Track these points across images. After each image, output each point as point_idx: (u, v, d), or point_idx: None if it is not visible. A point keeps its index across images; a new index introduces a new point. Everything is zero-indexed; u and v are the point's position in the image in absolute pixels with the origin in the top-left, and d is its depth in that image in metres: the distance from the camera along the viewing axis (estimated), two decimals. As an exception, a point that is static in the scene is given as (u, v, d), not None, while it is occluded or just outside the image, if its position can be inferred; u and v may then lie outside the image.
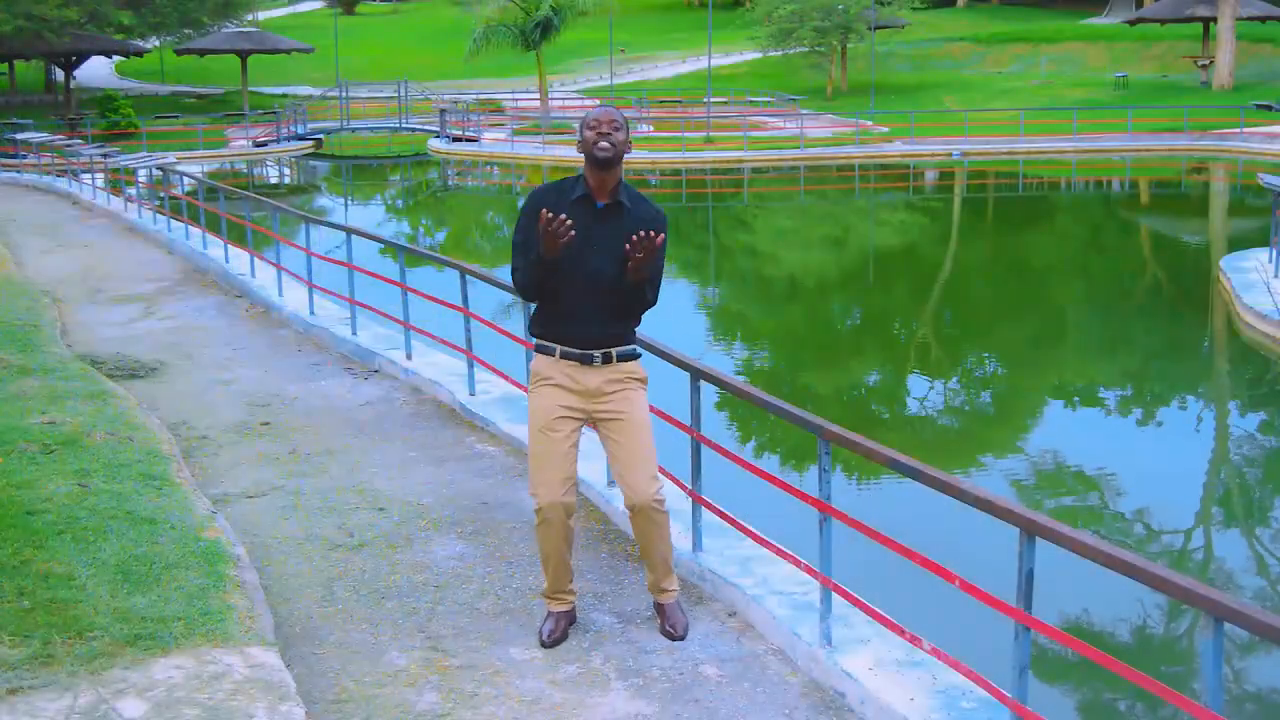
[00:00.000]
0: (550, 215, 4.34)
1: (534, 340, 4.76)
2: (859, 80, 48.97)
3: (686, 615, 4.95)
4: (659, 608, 4.95)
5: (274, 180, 34.47)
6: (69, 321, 11.74)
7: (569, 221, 4.35)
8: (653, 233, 4.37)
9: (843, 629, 4.67)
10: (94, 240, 17.52)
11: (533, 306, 4.88)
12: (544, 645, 4.80)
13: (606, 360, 4.63)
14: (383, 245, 13.88)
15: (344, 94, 41.23)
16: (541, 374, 4.68)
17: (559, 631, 4.85)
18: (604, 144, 4.49)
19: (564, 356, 4.63)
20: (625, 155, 4.57)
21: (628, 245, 4.40)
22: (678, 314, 15.91)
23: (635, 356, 4.74)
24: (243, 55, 44.91)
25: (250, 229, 13.39)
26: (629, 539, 5.90)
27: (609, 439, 4.70)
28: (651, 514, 4.70)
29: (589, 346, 4.61)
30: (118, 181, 22.10)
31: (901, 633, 4.27)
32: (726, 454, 5.32)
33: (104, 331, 11.29)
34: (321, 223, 12.94)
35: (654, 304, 4.68)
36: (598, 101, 47.52)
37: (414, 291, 9.43)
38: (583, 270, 4.53)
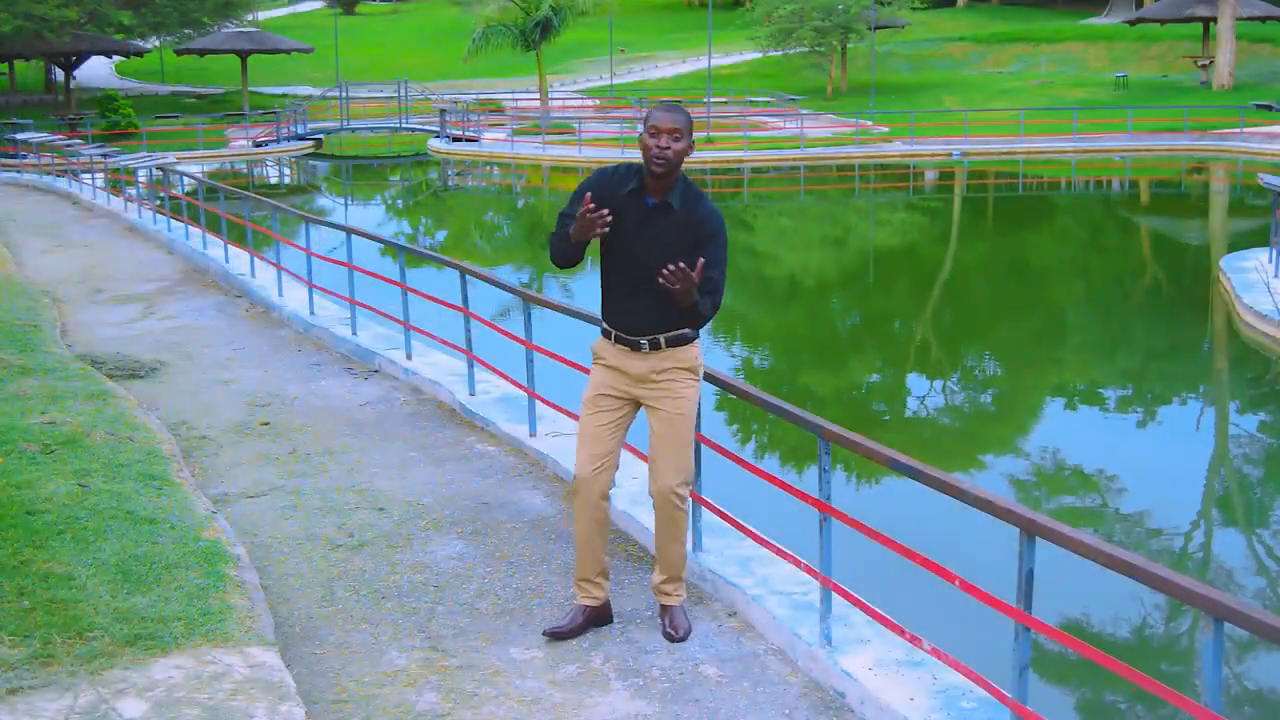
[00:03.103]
0: (593, 207, 4.39)
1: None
2: (859, 80, 48.97)
3: (689, 621, 4.94)
4: (662, 609, 4.95)
5: (274, 180, 34.46)
6: (69, 321, 11.74)
7: (608, 217, 4.40)
8: (684, 266, 4.34)
9: (843, 629, 4.67)
10: (94, 240, 17.52)
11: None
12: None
13: (654, 346, 4.66)
14: (383, 245, 13.88)
15: (344, 94, 41.22)
16: (598, 354, 4.82)
17: (568, 627, 4.84)
18: (660, 159, 4.47)
19: (617, 341, 4.72)
20: (686, 158, 4.56)
21: (665, 271, 4.36)
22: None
23: (687, 341, 4.71)
24: (243, 55, 44.91)
25: (250, 229, 13.39)
26: (630, 539, 5.90)
27: (650, 425, 4.76)
28: (667, 506, 4.73)
29: (637, 334, 4.66)
30: (118, 181, 22.10)
31: (901, 633, 4.27)
32: (726, 454, 5.32)
33: (104, 331, 11.29)
34: (321, 223, 12.93)
35: (709, 315, 4.60)
36: (598, 101, 47.68)
37: (414, 291, 9.43)
38: (633, 264, 4.58)
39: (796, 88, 47.89)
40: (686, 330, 4.68)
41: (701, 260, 4.42)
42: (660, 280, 4.40)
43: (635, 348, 4.67)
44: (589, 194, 4.49)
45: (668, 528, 4.77)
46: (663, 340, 4.65)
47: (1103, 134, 36.59)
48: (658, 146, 4.48)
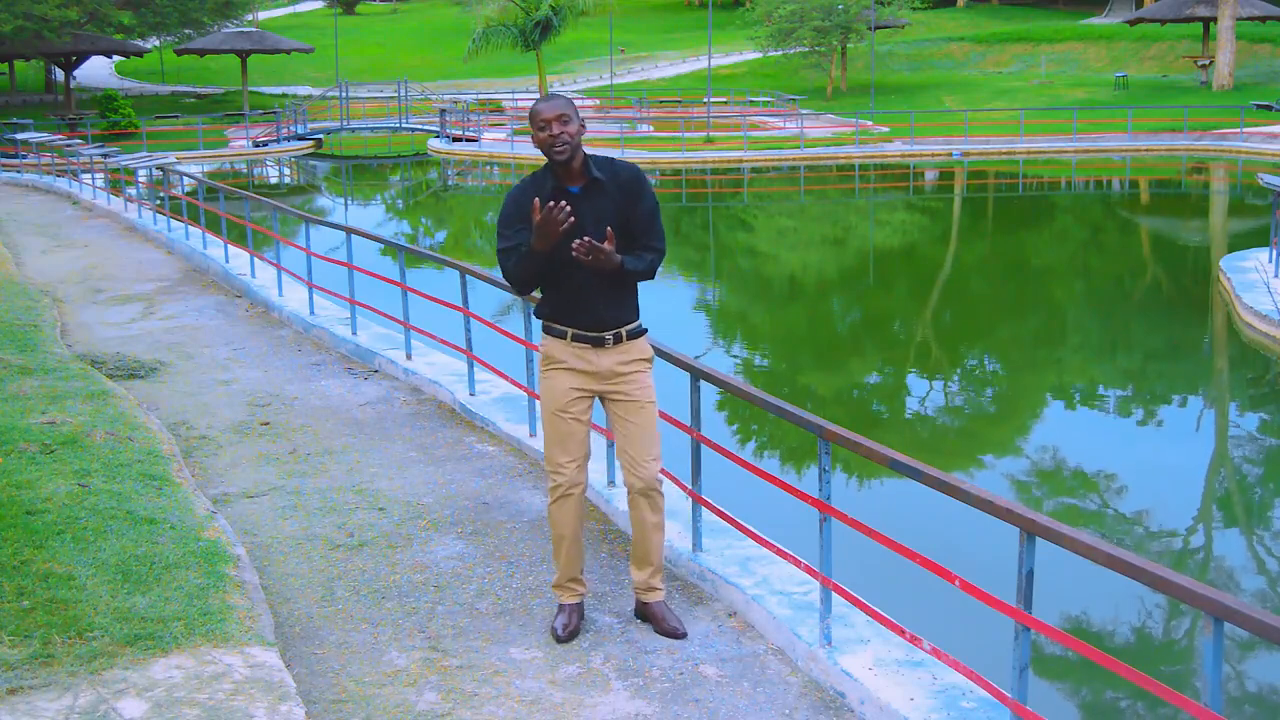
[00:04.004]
0: (552, 204, 4.34)
1: (543, 322, 4.76)
2: (859, 80, 48.98)
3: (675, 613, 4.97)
4: (648, 609, 4.93)
5: (274, 180, 34.47)
6: (69, 321, 11.74)
7: (567, 207, 4.36)
8: (591, 240, 4.38)
9: (843, 629, 4.67)
10: (94, 240, 17.52)
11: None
12: (559, 640, 4.82)
13: (617, 340, 4.68)
14: (383, 245, 13.88)
15: (344, 94, 41.22)
16: (554, 357, 4.71)
17: (574, 624, 4.88)
18: (560, 146, 4.51)
19: (575, 340, 4.67)
20: (582, 138, 4.59)
21: (576, 245, 4.38)
22: (678, 314, 15.92)
23: (642, 333, 4.77)
24: (243, 55, 44.93)
25: (250, 229, 13.39)
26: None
27: (617, 418, 4.75)
28: (654, 495, 4.75)
29: (600, 329, 4.65)
30: (118, 181, 22.10)
31: (901, 633, 4.27)
32: (726, 454, 5.31)
33: (104, 331, 11.29)
34: (321, 223, 12.93)
35: (649, 266, 4.62)
36: (598, 102, 47.70)
37: (414, 291, 9.43)
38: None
39: (796, 88, 47.88)
40: (639, 323, 4.74)
41: (610, 231, 4.45)
42: (574, 255, 4.40)
43: (598, 344, 4.66)
44: (524, 214, 4.52)
45: (653, 517, 4.79)
46: (624, 334, 4.68)
47: (1103, 134, 36.59)
48: (551, 135, 4.50)
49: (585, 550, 5.03)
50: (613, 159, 4.70)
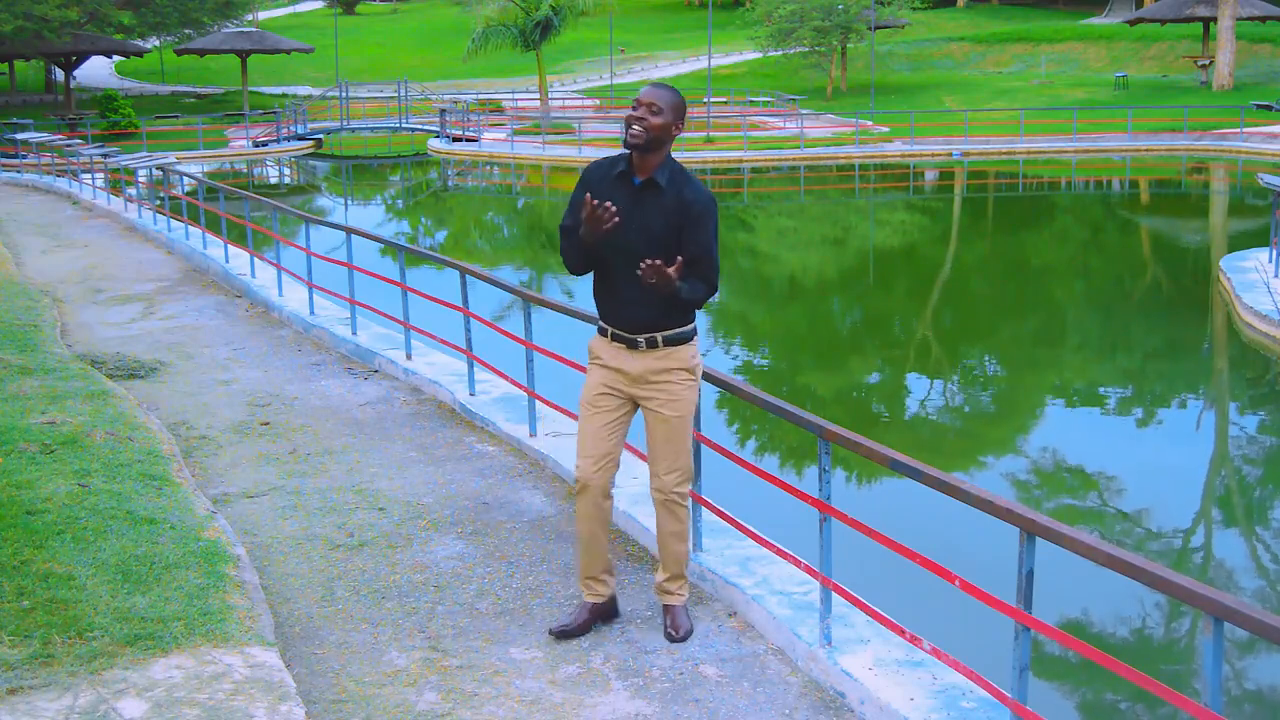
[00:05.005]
0: (594, 201, 4.34)
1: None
2: (859, 80, 48.98)
3: (691, 621, 4.93)
4: (665, 609, 4.94)
5: (274, 180, 34.46)
6: (69, 321, 11.74)
7: (613, 208, 4.34)
8: (659, 262, 4.31)
9: (843, 629, 4.67)
10: (94, 240, 17.52)
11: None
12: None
13: (652, 345, 4.59)
14: (383, 245, 13.88)
15: (344, 94, 41.23)
16: (594, 352, 4.74)
17: (575, 623, 4.85)
18: (635, 129, 4.46)
19: (614, 339, 4.65)
20: (673, 137, 4.51)
21: (643, 265, 4.33)
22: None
23: (686, 340, 4.65)
24: (243, 55, 44.92)
25: (250, 229, 13.39)
26: (630, 539, 5.91)
27: (646, 425, 4.72)
28: (670, 505, 4.72)
29: (634, 331, 4.59)
30: (118, 181, 22.10)
31: (901, 633, 4.27)
32: (726, 454, 5.31)
33: (104, 331, 11.29)
34: (321, 223, 12.92)
35: (700, 301, 4.55)
36: (598, 102, 47.70)
37: (414, 291, 9.43)
38: (620, 248, 4.49)
39: (796, 88, 47.88)
40: (684, 329, 4.62)
41: (680, 260, 4.37)
42: (639, 273, 4.36)
43: (632, 346, 4.60)
44: (588, 190, 4.49)
45: (670, 525, 4.77)
46: (660, 339, 4.58)
47: (1103, 134, 36.60)
48: (632, 116, 4.46)
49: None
50: (694, 179, 4.59)
